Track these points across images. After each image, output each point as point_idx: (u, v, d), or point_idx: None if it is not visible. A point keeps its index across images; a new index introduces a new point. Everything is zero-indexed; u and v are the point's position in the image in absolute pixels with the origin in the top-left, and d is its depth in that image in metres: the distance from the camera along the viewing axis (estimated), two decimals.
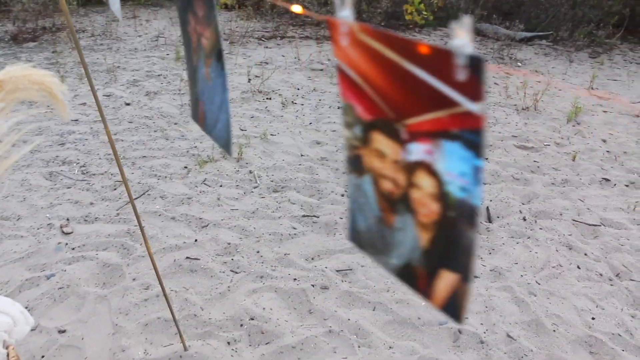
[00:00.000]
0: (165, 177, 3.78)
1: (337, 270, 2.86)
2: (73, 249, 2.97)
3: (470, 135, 0.72)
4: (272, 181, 3.77)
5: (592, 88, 6.38)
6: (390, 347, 2.36)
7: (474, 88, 0.70)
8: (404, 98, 0.77)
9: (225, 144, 1.04)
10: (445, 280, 0.82)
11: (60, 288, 2.66)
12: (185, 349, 2.26)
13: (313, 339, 2.38)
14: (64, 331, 2.38)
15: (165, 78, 5.84)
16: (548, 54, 7.87)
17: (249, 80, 5.88)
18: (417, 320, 2.55)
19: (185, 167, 3.93)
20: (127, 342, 2.34)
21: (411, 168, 0.80)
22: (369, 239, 0.92)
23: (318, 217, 3.34)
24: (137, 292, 2.66)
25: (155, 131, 4.54)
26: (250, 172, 3.90)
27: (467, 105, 0.71)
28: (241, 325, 2.46)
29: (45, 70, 1.14)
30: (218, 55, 0.94)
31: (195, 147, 4.26)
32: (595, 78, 6.56)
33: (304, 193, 3.64)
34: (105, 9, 8.57)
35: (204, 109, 1.12)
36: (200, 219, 3.29)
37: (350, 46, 0.81)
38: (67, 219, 3.23)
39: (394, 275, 0.91)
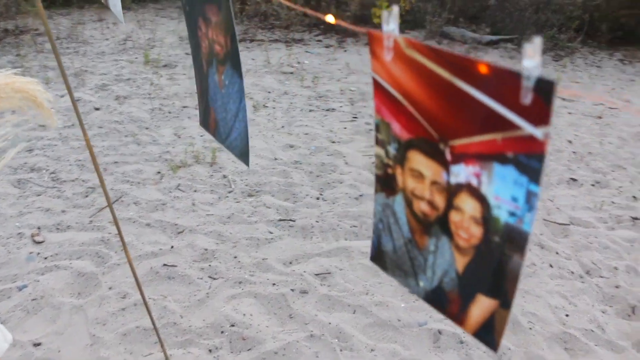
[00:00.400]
0: (139, 182, 3.73)
1: (315, 274, 2.86)
2: (45, 258, 2.91)
3: (528, 159, 0.68)
4: (246, 185, 3.76)
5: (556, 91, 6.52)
6: (372, 350, 2.38)
7: (539, 112, 0.66)
8: (453, 118, 0.74)
9: (241, 154, 1.02)
10: (482, 306, 0.79)
11: (34, 299, 2.60)
12: (167, 358, 2.24)
13: (295, 344, 2.38)
14: (39, 344, 2.33)
15: (134, 82, 5.77)
16: (513, 57, 8.00)
17: None
18: (397, 322, 2.57)
19: (159, 173, 3.88)
20: (106, 352, 2.31)
21: (453, 190, 0.77)
22: (395, 261, 0.88)
23: (294, 220, 3.34)
24: (114, 301, 2.62)
25: (126, 136, 4.47)
26: (224, 176, 3.88)
27: (530, 129, 0.67)
28: (222, 332, 2.44)
29: (28, 77, 1.12)
30: (234, 63, 0.93)
31: (168, 152, 4.22)
32: (559, 81, 6.70)
33: (278, 197, 3.63)
34: (70, 11, 8.41)
35: (216, 117, 1.10)
36: (176, 224, 3.26)
37: (393, 61, 0.77)
38: (38, 228, 3.16)
39: (421, 298, 0.88)
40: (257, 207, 3.49)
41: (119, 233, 2.09)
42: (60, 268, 2.83)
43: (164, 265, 2.87)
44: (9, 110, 1.04)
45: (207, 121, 1.18)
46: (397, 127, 0.82)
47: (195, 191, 3.66)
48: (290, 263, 2.96)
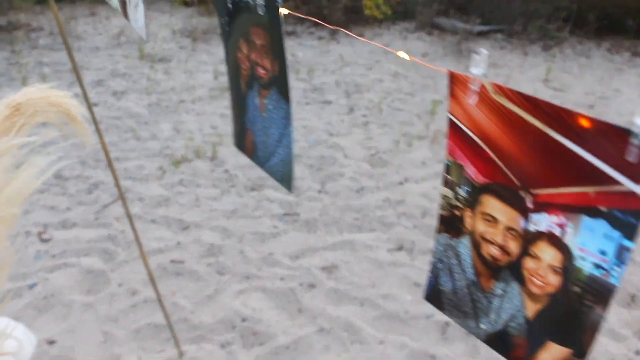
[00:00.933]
0: (141, 178, 3.75)
1: (322, 268, 2.90)
2: (53, 256, 2.92)
3: (624, 215, 0.65)
4: (248, 179, 3.78)
5: (547, 80, 6.57)
6: (381, 342, 2.42)
7: None
8: (540, 168, 0.70)
9: (283, 179, 1.02)
10: (552, 353, 0.76)
11: (45, 298, 2.62)
12: (181, 354, 2.27)
13: (305, 338, 2.42)
14: (53, 342, 2.36)
15: (130, 77, 5.75)
16: (504, 47, 8.04)
17: (215, 77, 5.84)
18: (404, 314, 2.62)
19: (160, 168, 3.89)
20: (119, 349, 2.34)
21: (531, 238, 0.74)
22: (454, 302, 0.87)
23: (298, 214, 3.37)
24: (124, 298, 2.64)
25: (125, 132, 4.48)
26: (226, 171, 3.90)
27: (632, 186, 0.64)
28: (233, 327, 2.48)
29: (62, 91, 1.14)
30: (281, 89, 0.91)
31: (168, 147, 4.23)
32: (550, 71, 6.75)
33: (281, 191, 3.66)
34: (61, 5, 8.34)
35: (254, 140, 1.09)
36: (180, 220, 3.28)
37: (478, 105, 0.75)
38: (45, 226, 3.17)
39: (481, 339, 0.87)
40: (260, 201, 3.52)
41: (134, 232, 2.12)
42: (68, 265, 2.85)
43: (172, 261, 2.89)
44: (44, 124, 1.06)
45: (243, 143, 1.17)
46: (472, 171, 0.80)
47: (198, 186, 3.68)
48: (297, 257, 2.99)
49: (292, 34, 7.77)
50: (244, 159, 4.06)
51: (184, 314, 2.55)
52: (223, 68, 6.17)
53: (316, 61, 6.57)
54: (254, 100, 1.02)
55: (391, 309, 2.65)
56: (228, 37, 1.06)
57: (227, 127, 4.66)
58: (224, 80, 5.78)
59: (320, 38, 7.64)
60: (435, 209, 3.53)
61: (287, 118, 0.93)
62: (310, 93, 5.53)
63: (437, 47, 7.45)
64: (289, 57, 6.62)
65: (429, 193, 3.73)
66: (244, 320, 2.52)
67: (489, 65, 7.14)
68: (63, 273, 2.80)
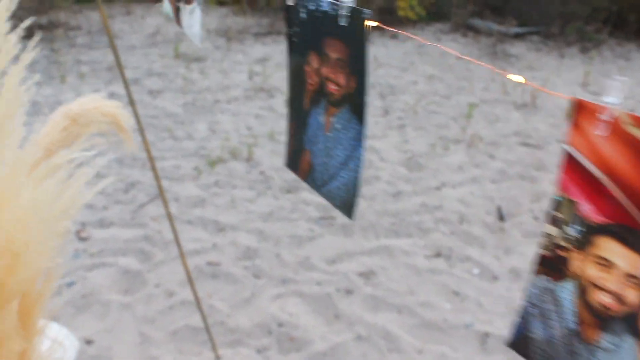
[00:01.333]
0: (177, 178, 3.76)
1: (359, 273, 2.87)
2: (92, 255, 2.94)
3: None
4: (284, 181, 3.76)
5: (586, 84, 6.42)
6: (419, 352, 2.38)
7: None
8: None
9: (343, 205, 0.94)
10: None
11: (83, 296, 2.64)
12: (218, 357, 2.26)
13: (342, 345, 2.39)
14: (91, 341, 2.37)
15: (166, 76, 5.79)
16: (540, 50, 7.90)
17: (250, 78, 5.85)
18: (443, 323, 2.57)
19: (196, 168, 3.90)
20: (157, 351, 2.34)
21: None
22: (547, 351, 0.81)
23: (335, 218, 3.34)
24: (162, 299, 2.64)
25: (162, 131, 4.50)
26: (262, 172, 3.89)
27: None
28: (269, 332, 2.46)
29: (113, 101, 1.13)
30: (356, 108, 0.85)
31: (204, 147, 4.23)
32: (589, 74, 6.60)
33: (317, 193, 3.63)
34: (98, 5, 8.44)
35: (311, 160, 1.03)
36: (216, 221, 3.28)
37: (607, 138, 0.70)
38: (83, 224, 3.20)
39: None
40: (296, 203, 3.50)
41: (174, 232, 2.11)
42: (106, 265, 2.86)
43: (208, 263, 2.89)
44: (95, 134, 1.05)
45: (296, 162, 1.10)
46: (587, 209, 0.73)
47: (233, 187, 3.67)
48: (333, 261, 2.96)
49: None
50: (280, 161, 4.05)
51: (221, 317, 2.53)
52: (258, 68, 6.17)
53: None
54: (318, 118, 0.96)
55: (430, 317, 2.60)
56: (295, 49, 1.01)
57: (262, 127, 4.66)
58: (259, 80, 5.78)
59: None
60: (472, 215, 3.47)
61: (358, 139, 0.86)
62: None
63: (471, 49, 7.35)
64: None
65: (466, 199, 3.66)
66: (280, 325, 2.49)
67: (524, 68, 7.02)
68: (101, 272, 2.81)
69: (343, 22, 0.85)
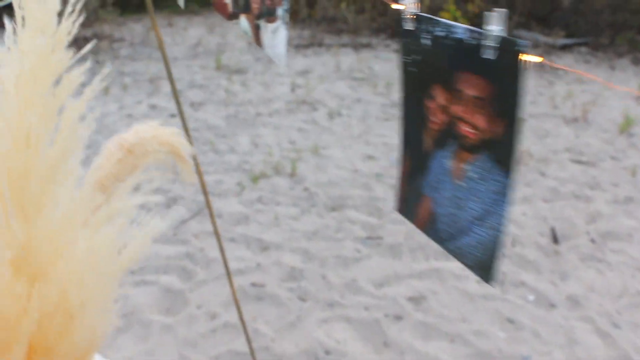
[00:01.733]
0: (219, 194, 3.69)
1: (408, 298, 2.74)
2: (133, 272, 2.88)
3: None
4: (329, 198, 3.66)
5: None
6: None
7: None
8: None
9: (478, 266, 0.79)
10: None
11: (124, 315, 2.57)
12: None
13: None
14: None
15: (208, 88, 5.77)
16: (588, 62, 7.65)
17: (292, 90, 5.78)
18: (498, 353, 2.42)
19: (239, 184, 3.83)
20: None
21: None
22: None
23: (382, 238, 3.22)
24: (203, 321, 2.56)
25: (204, 144, 4.46)
26: (306, 189, 3.79)
27: None
28: (316, 359, 2.35)
29: (171, 128, 1.03)
30: (500, 156, 0.72)
31: (246, 161, 4.17)
32: None
33: (362, 211, 3.52)
34: (141, 17, 8.54)
35: (433, 210, 0.88)
36: (260, 239, 3.19)
37: None
38: None
39: None
40: (341, 222, 3.39)
41: (221, 252, 2.03)
42: (147, 283, 2.80)
43: (252, 284, 2.80)
44: (153, 165, 0.96)
45: (412, 209, 0.93)
46: None
47: (277, 204, 3.59)
48: (381, 285, 2.84)
49: (367, 46, 7.66)
50: (324, 177, 3.95)
51: (265, 342, 2.44)
52: (300, 81, 6.11)
53: (393, 75, 6.42)
54: (444, 162, 0.81)
55: (484, 347, 2.45)
56: (413, 80, 0.86)
57: (305, 141, 4.57)
58: (301, 93, 5.71)
59: (396, 51, 7.48)
60: (525, 237, 3.31)
61: (502, 194, 0.73)
62: (389, 109, 5.38)
63: None
64: (365, 71, 6.50)
65: (517, 219, 3.50)
66: (327, 352, 2.38)
67: (573, 80, 6.80)
68: (142, 290, 2.75)
69: (488, 55, 0.71)
